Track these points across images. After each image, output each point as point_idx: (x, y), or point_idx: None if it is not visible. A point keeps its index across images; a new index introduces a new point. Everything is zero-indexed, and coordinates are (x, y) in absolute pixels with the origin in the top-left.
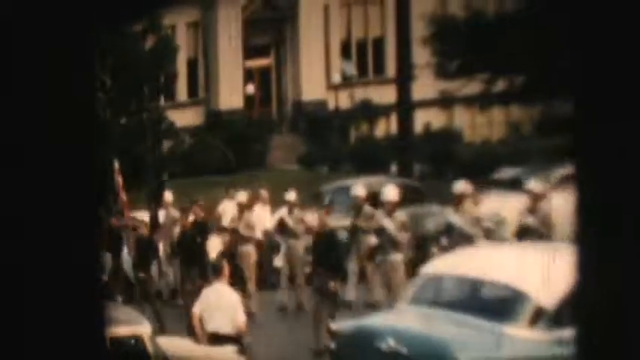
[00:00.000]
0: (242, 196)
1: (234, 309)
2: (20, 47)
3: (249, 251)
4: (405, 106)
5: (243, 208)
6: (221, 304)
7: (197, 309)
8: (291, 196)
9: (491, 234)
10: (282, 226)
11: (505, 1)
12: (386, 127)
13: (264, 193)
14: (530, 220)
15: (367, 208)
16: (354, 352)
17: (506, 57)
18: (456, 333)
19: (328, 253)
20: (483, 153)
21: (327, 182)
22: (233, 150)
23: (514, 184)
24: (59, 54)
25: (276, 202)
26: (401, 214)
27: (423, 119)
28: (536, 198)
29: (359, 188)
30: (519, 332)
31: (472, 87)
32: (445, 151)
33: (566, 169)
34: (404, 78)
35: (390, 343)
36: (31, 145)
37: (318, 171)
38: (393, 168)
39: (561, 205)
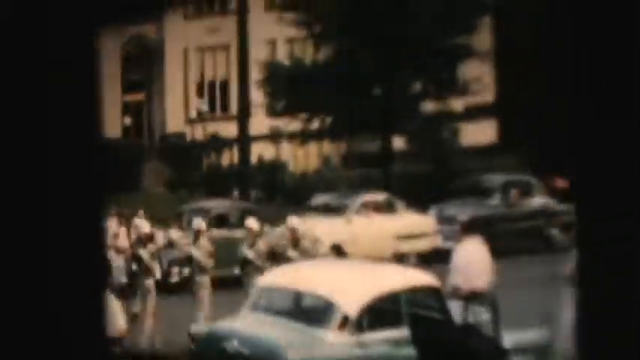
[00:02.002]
0: None
1: (115, 314)
2: (20, 47)
3: None
4: (243, 140)
5: None
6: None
7: None
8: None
9: (309, 252)
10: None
11: (321, 50)
12: (230, 157)
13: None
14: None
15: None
16: (208, 353)
17: (320, 100)
18: (284, 336)
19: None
20: (302, 181)
21: (186, 203)
22: (115, 174)
23: (326, 209)
24: (59, 54)
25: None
26: (151, 247)
27: (258, 151)
28: (254, 235)
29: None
30: (331, 336)
31: (295, 124)
32: (274, 180)
33: (367, 197)
34: (243, 115)
35: (234, 345)
36: (31, 145)
37: (180, 194)
38: (236, 193)
39: (365, 227)
